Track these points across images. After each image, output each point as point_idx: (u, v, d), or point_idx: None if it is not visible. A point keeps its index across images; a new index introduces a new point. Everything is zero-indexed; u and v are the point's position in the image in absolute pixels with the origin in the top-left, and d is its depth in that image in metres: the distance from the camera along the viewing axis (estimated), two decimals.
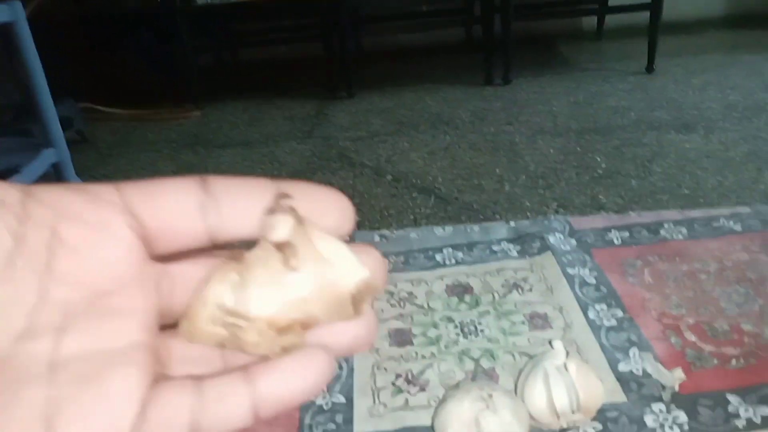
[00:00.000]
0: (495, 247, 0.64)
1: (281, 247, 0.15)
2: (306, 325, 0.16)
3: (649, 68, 2.37)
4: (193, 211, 0.16)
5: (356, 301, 0.16)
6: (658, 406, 0.44)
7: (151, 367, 0.15)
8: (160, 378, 0.15)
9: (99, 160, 2.03)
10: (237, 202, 0.16)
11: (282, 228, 0.16)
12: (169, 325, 0.16)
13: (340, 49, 2.36)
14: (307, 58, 2.85)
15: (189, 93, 2.39)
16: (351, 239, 0.17)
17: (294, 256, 0.15)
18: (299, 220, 0.16)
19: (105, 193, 0.15)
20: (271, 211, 0.16)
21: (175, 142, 2.12)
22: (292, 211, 0.16)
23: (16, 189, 0.14)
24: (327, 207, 0.16)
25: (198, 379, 0.15)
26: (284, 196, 0.16)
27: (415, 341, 0.52)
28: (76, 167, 1.84)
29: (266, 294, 0.16)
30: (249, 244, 0.16)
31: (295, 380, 0.16)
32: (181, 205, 0.15)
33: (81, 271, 0.14)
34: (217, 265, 0.16)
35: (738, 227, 0.64)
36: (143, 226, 0.15)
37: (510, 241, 0.64)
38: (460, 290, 0.58)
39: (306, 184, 0.17)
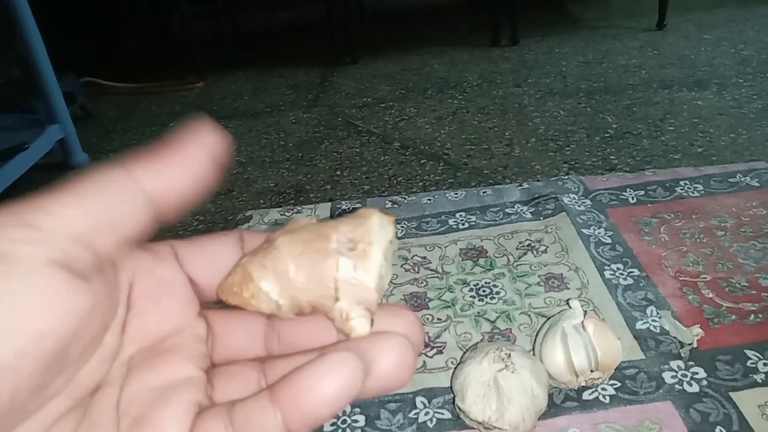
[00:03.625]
0: (509, 210, 0.63)
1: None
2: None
3: (660, 24, 2.31)
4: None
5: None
6: (676, 363, 0.44)
7: (196, 400, 0.16)
8: (203, 409, 0.16)
9: (104, 136, 2.03)
10: None
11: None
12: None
13: (343, 12, 2.31)
14: (309, 24, 2.80)
15: (191, 64, 2.36)
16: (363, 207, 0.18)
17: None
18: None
19: (163, 252, 0.18)
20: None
21: (179, 115, 2.10)
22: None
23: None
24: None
25: (230, 405, 0.16)
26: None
27: (430, 305, 0.52)
28: (81, 143, 1.83)
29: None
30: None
31: (319, 389, 0.15)
32: (225, 261, 0.18)
33: (146, 329, 0.17)
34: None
35: (755, 183, 0.63)
36: (194, 281, 0.18)
37: (523, 203, 0.64)
38: (474, 254, 0.58)
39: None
